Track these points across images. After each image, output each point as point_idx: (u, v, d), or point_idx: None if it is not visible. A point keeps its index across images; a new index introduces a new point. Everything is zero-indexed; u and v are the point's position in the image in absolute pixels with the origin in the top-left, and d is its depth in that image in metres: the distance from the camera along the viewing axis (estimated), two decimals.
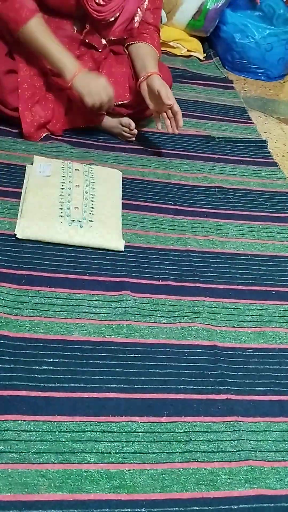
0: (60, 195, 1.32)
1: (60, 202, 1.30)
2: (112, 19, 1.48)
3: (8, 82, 1.48)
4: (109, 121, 1.64)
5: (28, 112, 1.51)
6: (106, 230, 1.28)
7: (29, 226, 1.23)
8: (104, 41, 1.53)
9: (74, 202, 1.31)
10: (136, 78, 1.54)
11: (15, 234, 1.22)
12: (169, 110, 1.50)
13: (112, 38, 1.52)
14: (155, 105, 1.51)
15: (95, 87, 1.42)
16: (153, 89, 1.46)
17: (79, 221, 1.27)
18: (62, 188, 1.34)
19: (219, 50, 2.44)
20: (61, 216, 1.26)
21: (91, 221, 1.28)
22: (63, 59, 1.41)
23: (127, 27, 1.52)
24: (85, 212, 1.29)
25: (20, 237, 1.22)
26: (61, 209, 1.28)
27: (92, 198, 1.34)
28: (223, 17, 2.37)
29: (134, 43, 1.55)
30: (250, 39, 2.33)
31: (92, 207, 1.32)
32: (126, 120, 1.63)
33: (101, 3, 1.45)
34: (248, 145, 1.84)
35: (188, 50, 2.38)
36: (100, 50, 1.55)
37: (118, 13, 1.47)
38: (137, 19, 1.52)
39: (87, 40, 1.53)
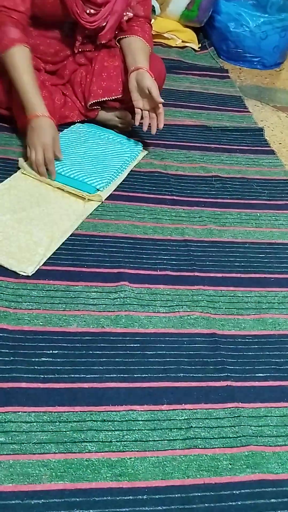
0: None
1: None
2: (104, 24, 1.46)
3: (1, 82, 1.48)
4: (104, 114, 1.63)
5: (21, 111, 1.51)
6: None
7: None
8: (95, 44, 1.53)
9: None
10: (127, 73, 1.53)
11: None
12: (156, 108, 1.46)
13: (103, 42, 1.51)
14: (140, 101, 1.47)
15: (38, 140, 1.35)
16: (142, 86, 1.44)
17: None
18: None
19: (214, 40, 2.44)
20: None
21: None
22: (31, 98, 1.35)
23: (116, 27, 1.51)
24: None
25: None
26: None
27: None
28: (217, 7, 2.36)
29: (125, 37, 1.54)
30: (245, 28, 2.32)
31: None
32: (121, 112, 1.63)
33: (92, 13, 1.43)
34: (245, 133, 1.84)
35: (182, 41, 2.38)
36: (93, 50, 1.55)
37: (109, 16, 1.45)
38: (126, 18, 1.50)
39: (80, 50, 1.52)
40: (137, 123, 1.50)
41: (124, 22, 1.51)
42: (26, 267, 1.14)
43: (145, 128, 1.50)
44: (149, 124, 1.49)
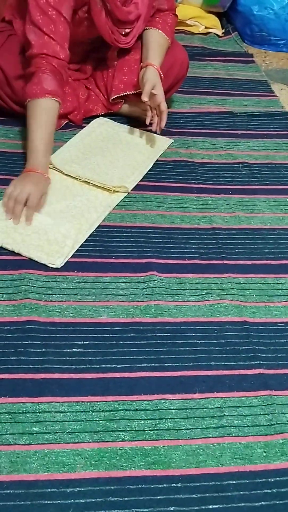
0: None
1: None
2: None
3: (22, 85, 1.48)
4: (127, 107, 1.63)
5: None
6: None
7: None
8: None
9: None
10: None
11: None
12: (158, 107, 1.46)
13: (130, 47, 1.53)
14: (145, 98, 1.45)
15: (29, 183, 1.21)
16: (141, 81, 1.46)
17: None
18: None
19: (237, 25, 2.40)
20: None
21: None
22: (38, 156, 1.26)
23: None
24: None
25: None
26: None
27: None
28: None
29: (145, 29, 1.53)
30: (269, 10, 2.28)
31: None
32: (144, 104, 1.62)
33: (127, 32, 1.45)
34: (272, 118, 1.81)
35: (206, 27, 2.35)
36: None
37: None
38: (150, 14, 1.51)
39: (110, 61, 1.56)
40: (147, 122, 1.50)
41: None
42: (55, 260, 1.15)
43: (153, 127, 1.50)
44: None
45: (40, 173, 1.24)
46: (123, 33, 1.44)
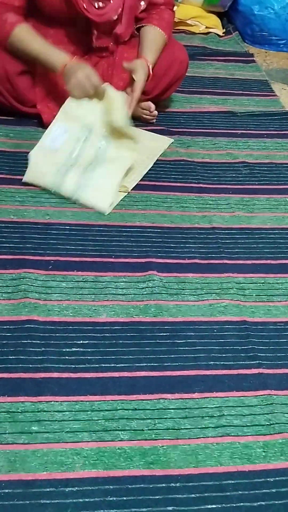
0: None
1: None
2: (115, 17, 1.45)
3: (22, 82, 1.49)
4: None
5: (46, 108, 1.52)
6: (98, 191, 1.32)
7: (34, 172, 1.34)
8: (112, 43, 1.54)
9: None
10: None
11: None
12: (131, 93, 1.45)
13: (126, 40, 1.52)
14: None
15: (78, 81, 1.36)
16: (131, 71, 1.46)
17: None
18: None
19: (238, 24, 2.39)
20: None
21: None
22: (50, 57, 1.39)
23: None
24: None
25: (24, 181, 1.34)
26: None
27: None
28: None
29: (142, 26, 1.53)
30: (270, 10, 2.27)
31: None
32: (145, 102, 1.62)
33: (101, 6, 1.42)
34: (272, 118, 1.81)
35: (206, 27, 2.35)
36: (110, 47, 1.54)
37: (120, 9, 1.44)
38: (142, 7, 1.50)
39: (97, 46, 1.52)
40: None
41: (137, 14, 1.50)
42: (105, 206, 1.25)
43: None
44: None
45: (67, 64, 1.36)
46: (96, 5, 1.42)
